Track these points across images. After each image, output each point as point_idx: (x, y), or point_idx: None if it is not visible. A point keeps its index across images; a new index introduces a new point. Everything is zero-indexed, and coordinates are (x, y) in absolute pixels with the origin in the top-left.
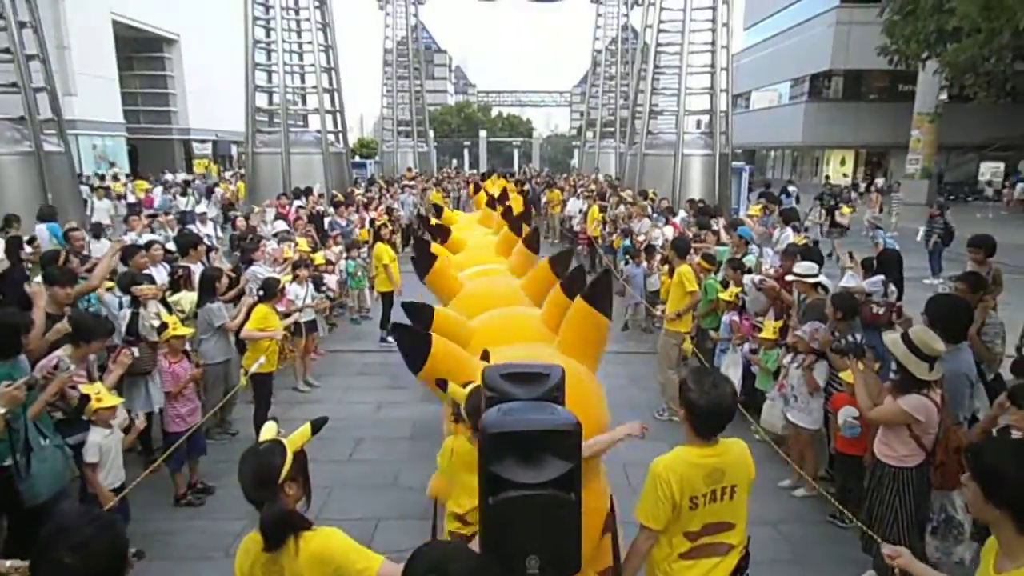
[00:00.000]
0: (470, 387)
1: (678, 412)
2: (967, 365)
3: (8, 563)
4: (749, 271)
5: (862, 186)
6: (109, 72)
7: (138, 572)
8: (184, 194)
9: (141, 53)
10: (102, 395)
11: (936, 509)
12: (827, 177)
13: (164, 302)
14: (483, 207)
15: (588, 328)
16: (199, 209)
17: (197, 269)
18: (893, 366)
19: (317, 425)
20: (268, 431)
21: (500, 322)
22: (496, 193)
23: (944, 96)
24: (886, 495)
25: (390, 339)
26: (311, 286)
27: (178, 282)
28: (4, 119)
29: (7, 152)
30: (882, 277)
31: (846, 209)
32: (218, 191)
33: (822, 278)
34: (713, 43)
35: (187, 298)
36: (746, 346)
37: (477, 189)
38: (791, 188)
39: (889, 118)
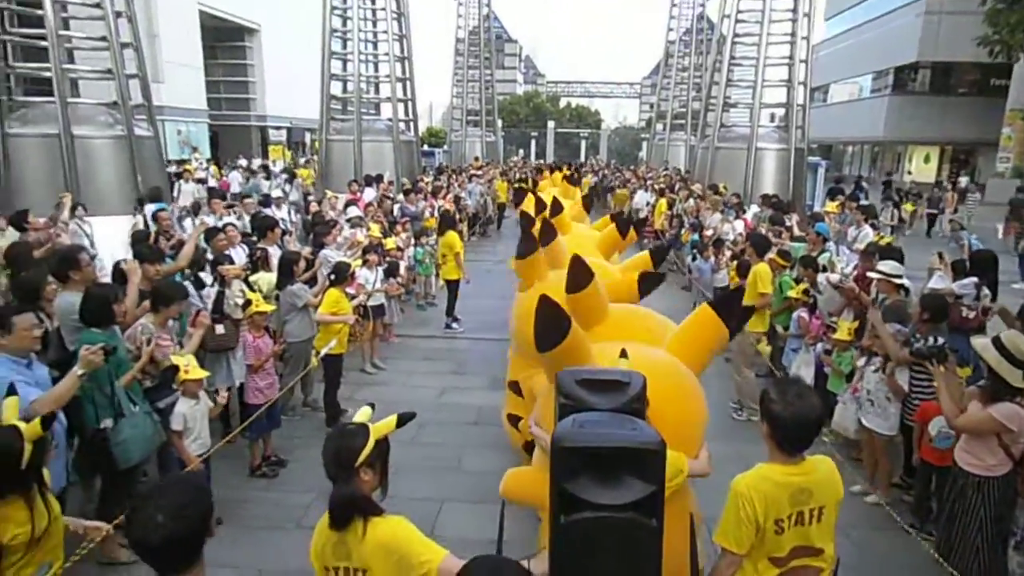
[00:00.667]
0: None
1: (757, 412)
2: None
3: (88, 523)
4: (824, 269)
5: (948, 185)
6: (195, 60)
7: (214, 538)
8: (268, 178)
9: (224, 42)
10: (190, 367)
11: (1021, 524)
12: (909, 173)
13: (246, 281)
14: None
15: (710, 337)
16: (275, 193)
17: (274, 252)
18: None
19: (404, 419)
20: (363, 414)
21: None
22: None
23: None
24: (970, 506)
25: (455, 326)
26: (380, 271)
27: (256, 263)
28: (99, 104)
29: (101, 136)
30: (975, 279)
31: (908, 206)
32: (299, 178)
33: (905, 280)
34: (793, 34)
35: (265, 279)
36: (819, 347)
37: (534, 185)
38: (863, 184)
39: (979, 114)
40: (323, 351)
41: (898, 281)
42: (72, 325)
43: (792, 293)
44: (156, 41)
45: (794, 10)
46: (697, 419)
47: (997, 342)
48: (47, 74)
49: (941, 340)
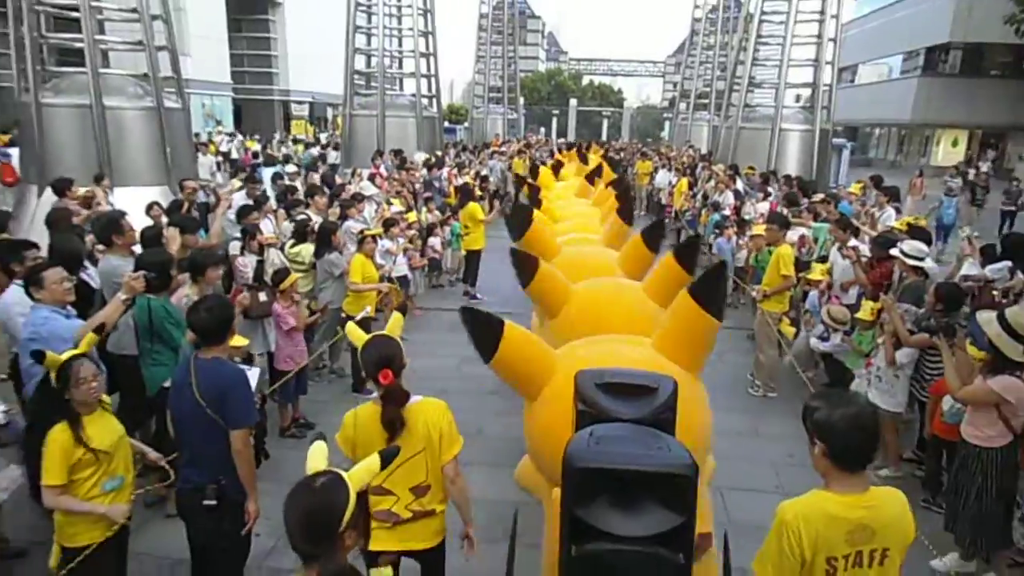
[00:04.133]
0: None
1: (773, 390)
2: None
3: (150, 452)
4: (856, 232)
5: (971, 171)
6: (220, 33)
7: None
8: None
9: (248, 15)
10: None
11: None
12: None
13: (280, 249)
14: (580, 178)
15: (696, 330)
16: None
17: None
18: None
19: (387, 456)
20: (316, 455)
21: (599, 294)
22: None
23: None
24: (971, 475)
25: (478, 295)
26: (401, 242)
27: (304, 232)
28: (129, 75)
29: (132, 107)
30: (1008, 263)
31: None
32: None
33: (928, 262)
34: (822, 12)
35: (307, 249)
36: (836, 336)
37: (558, 167)
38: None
39: (1011, 96)
40: (358, 316)
41: (913, 263)
42: (115, 286)
43: (816, 275)
44: (182, 15)
45: None
46: (700, 429)
47: (1001, 317)
48: (79, 45)
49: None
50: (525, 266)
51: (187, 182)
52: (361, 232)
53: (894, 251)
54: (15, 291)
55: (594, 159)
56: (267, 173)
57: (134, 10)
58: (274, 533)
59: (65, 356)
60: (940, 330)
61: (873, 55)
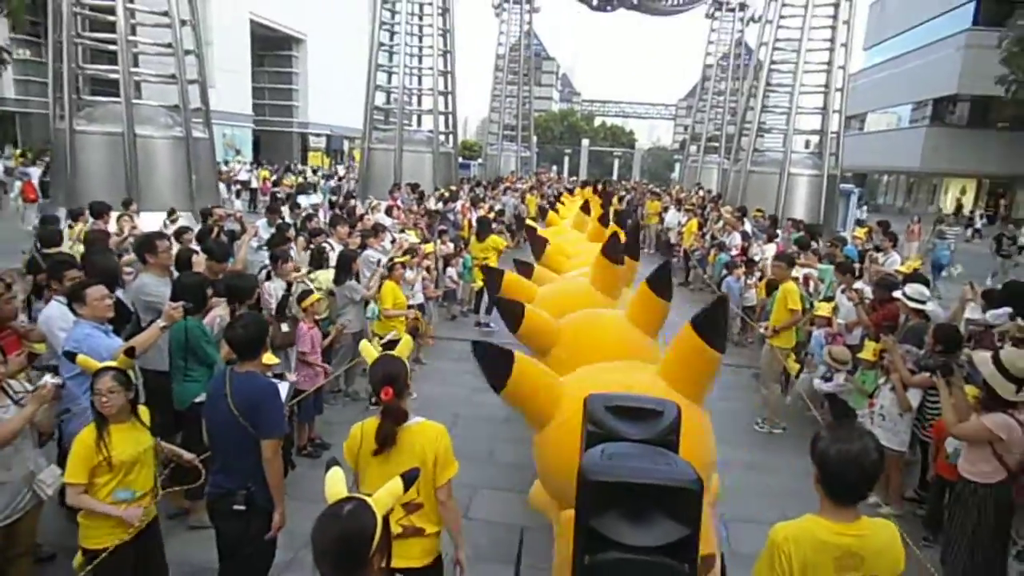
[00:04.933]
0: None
1: (779, 426)
2: None
3: (184, 453)
4: (860, 276)
5: (978, 220)
6: (244, 67)
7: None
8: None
9: (271, 51)
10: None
11: (1021, 533)
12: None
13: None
14: (594, 220)
15: (698, 362)
16: (314, 200)
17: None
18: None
19: (409, 479)
20: (335, 481)
21: (584, 327)
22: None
23: None
24: (968, 510)
25: (493, 325)
26: (421, 271)
27: (321, 259)
28: (161, 106)
29: (162, 136)
30: (1009, 309)
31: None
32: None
33: (930, 306)
34: (829, 63)
35: (324, 276)
36: (839, 376)
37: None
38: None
39: (1017, 147)
40: (385, 338)
41: (915, 306)
42: (146, 304)
43: (822, 312)
44: (209, 48)
45: (832, 40)
46: (704, 452)
47: (995, 357)
48: (114, 76)
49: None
50: (511, 312)
51: (217, 209)
52: (391, 260)
53: (897, 294)
54: (56, 306)
55: (577, 199)
56: (304, 201)
57: (168, 44)
58: (291, 546)
59: (99, 365)
60: (938, 368)
61: (882, 104)
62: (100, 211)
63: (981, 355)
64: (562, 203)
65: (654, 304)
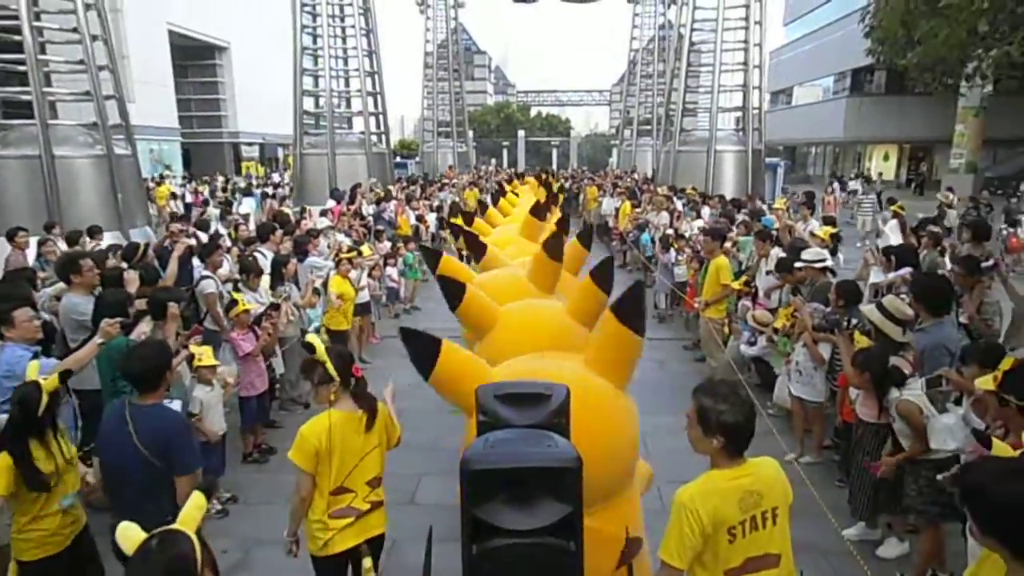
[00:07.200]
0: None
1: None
2: (946, 337)
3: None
4: (778, 243)
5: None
6: (165, 79)
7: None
8: (248, 194)
9: (194, 60)
10: (204, 356)
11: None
12: (863, 172)
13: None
14: (527, 216)
15: (620, 347)
16: (243, 210)
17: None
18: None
19: (208, 492)
20: (127, 536)
21: (523, 315)
22: (521, 202)
23: (989, 89)
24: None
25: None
26: (364, 272)
27: (247, 269)
28: (79, 125)
29: (82, 156)
30: (910, 269)
31: None
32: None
33: (829, 262)
34: (746, 41)
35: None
36: (762, 339)
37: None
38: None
39: (934, 112)
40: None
41: (820, 265)
42: (75, 323)
43: (737, 285)
44: (125, 62)
45: (746, 18)
46: (626, 438)
47: (879, 305)
48: (27, 97)
49: (855, 321)
50: (453, 290)
51: (172, 225)
52: (336, 255)
53: (797, 263)
54: None
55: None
56: (248, 202)
57: (81, 61)
58: (241, 548)
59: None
60: (830, 328)
61: (806, 78)
62: (11, 235)
63: (868, 306)
64: (515, 193)
65: (595, 297)
